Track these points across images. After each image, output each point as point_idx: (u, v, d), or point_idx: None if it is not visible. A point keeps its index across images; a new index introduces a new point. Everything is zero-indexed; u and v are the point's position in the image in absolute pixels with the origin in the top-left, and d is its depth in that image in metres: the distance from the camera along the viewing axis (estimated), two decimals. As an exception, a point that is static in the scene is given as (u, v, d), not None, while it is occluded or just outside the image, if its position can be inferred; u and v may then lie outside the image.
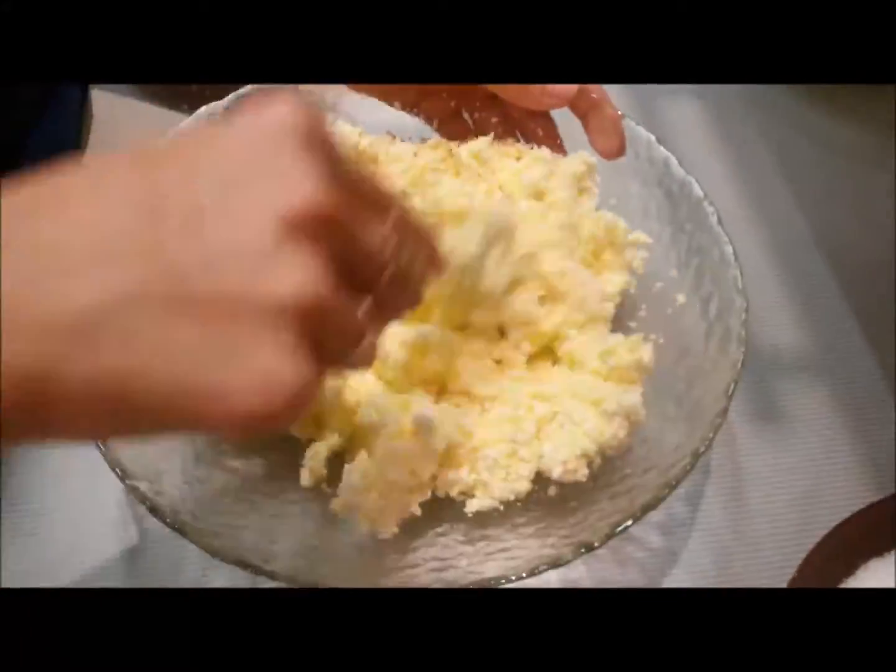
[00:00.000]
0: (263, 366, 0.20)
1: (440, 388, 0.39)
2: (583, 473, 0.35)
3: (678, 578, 0.41)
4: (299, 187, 0.21)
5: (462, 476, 0.36)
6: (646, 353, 0.38)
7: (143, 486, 0.34)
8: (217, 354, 0.20)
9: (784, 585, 0.40)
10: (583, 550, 0.32)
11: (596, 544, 0.33)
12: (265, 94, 0.22)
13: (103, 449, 0.34)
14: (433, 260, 0.26)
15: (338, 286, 0.21)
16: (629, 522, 0.33)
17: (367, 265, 0.23)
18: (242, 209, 0.20)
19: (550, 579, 0.40)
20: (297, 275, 0.20)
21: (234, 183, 0.21)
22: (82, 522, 0.41)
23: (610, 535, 0.33)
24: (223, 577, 0.39)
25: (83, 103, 0.58)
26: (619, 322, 0.44)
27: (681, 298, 0.44)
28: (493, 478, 0.35)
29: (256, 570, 0.32)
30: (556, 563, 0.32)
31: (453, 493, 0.36)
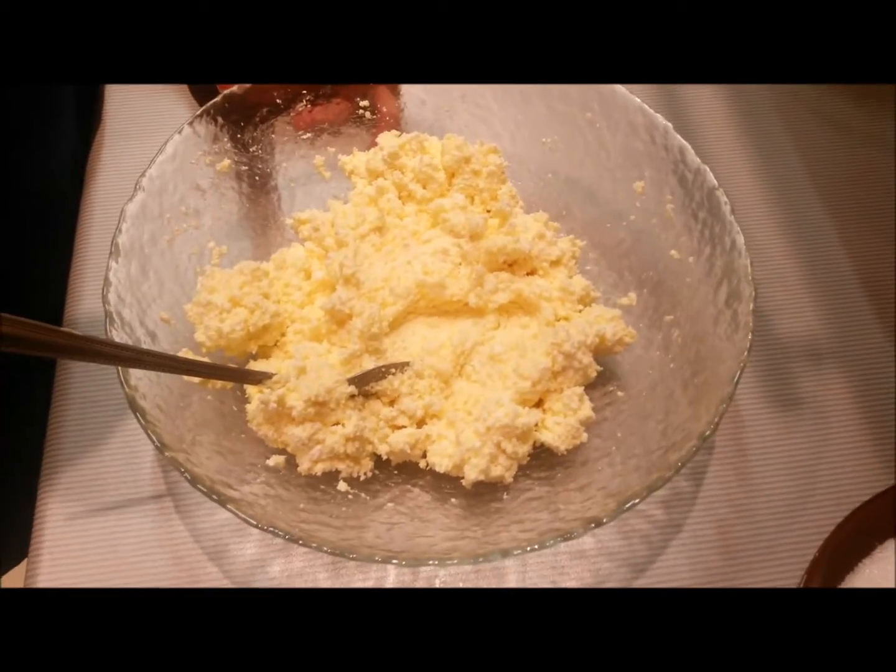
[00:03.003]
0: None
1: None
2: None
3: (680, 550, 0.43)
4: None
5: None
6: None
7: (180, 458, 0.36)
8: None
9: (779, 559, 0.43)
10: (592, 526, 0.34)
11: (604, 520, 0.35)
12: None
13: (143, 422, 0.36)
14: None
15: None
16: (636, 500, 0.35)
17: None
18: None
19: (560, 549, 0.43)
20: None
21: None
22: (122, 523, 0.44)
23: (618, 512, 0.35)
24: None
25: (86, 106, 0.59)
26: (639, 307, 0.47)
27: (692, 283, 0.45)
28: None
29: (292, 538, 0.34)
30: (566, 537, 0.34)
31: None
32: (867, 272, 0.54)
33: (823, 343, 0.51)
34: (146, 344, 0.41)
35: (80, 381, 0.47)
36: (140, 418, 0.36)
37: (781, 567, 0.43)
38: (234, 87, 0.48)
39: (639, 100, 0.49)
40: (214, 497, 0.35)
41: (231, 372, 0.42)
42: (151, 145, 0.48)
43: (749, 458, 0.47)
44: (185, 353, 0.42)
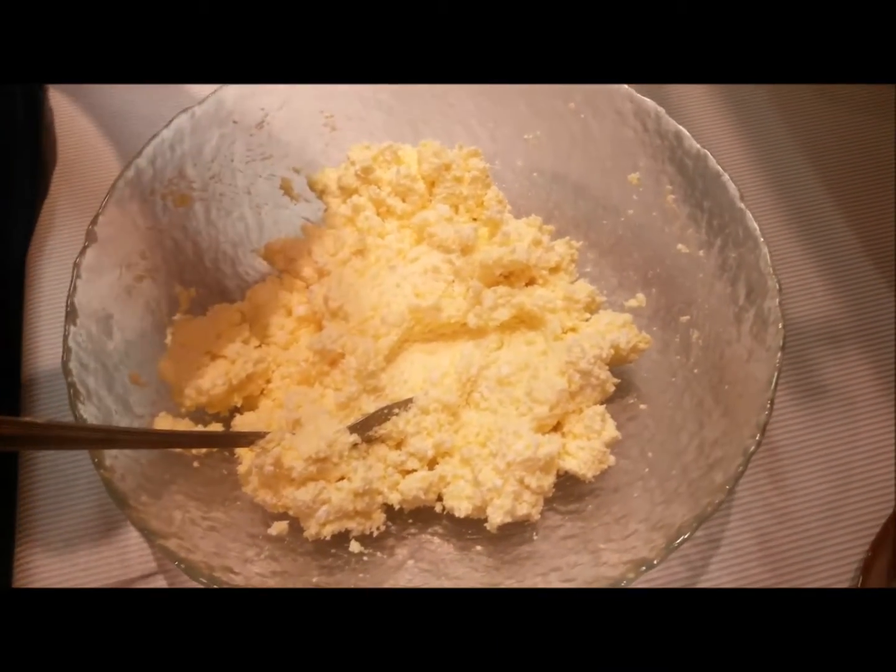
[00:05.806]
0: None
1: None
2: None
3: (722, 567, 0.40)
4: None
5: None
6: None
7: (172, 545, 0.31)
8: None
9: (826, 562, 0.40)
10: (643, 569, 0.31)
11: (655, 561, 0.31)
12: None
13: (125, 509, 0.32)
14: None
15: None
16: (686, 535, 0.32)
17: None
18: None
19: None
20: None
21: None
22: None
23: (668, 550, 0.31)
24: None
25: (34, 103, 0.55)
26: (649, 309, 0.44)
27: (706, 279, 0.42)
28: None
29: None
30: (614, 586, 0.31)
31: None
32: (872, 245, 0.52)
33: (840, 324, 0.49)
34: (118, 413, 0.36)
35: (48, 456, 0.43)
36: (122, 505, 0.32)
37: (831, 571, 0.41)
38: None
39: (626, 86, 0.45)
40: (216, 587, 0.31)
41: (219, 437, 0.37)
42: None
43: (780, 456, 0.44)
44: (163, 418, 0.37)
